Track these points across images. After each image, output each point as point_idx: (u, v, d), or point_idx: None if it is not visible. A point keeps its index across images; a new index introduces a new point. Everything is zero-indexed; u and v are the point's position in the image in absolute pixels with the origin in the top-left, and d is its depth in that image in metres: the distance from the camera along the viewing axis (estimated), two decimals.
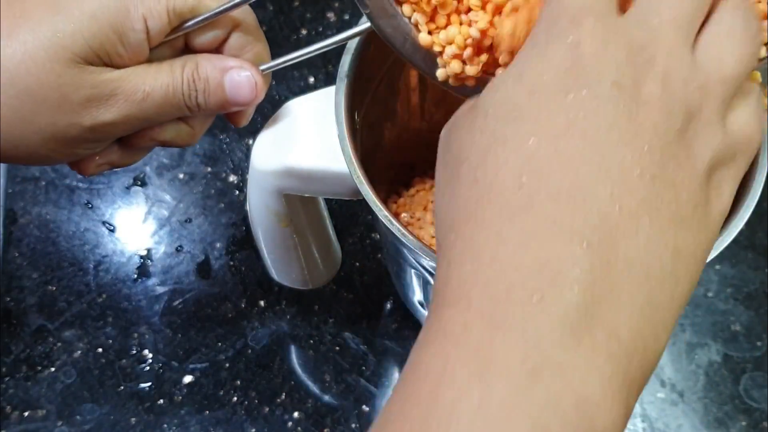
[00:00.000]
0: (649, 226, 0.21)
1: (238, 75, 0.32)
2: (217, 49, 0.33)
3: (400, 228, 0.31)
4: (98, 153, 0.33)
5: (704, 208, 0.23)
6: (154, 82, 0.31)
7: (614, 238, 0.21)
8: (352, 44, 0.35)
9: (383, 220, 0.31)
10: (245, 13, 0.33)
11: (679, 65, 0.22)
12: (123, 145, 0.34)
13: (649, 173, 0.21)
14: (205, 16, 0.31)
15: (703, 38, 0.23)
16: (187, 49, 0.33)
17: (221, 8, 0.31)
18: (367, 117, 0.39)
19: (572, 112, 0.22)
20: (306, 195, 0.40)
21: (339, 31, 0.62)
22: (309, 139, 0.37)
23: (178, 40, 0.32)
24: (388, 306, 0.51)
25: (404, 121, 0.43)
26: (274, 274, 0.48)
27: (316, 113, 0.37)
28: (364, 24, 0.30)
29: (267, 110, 0.59)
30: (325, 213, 0.45)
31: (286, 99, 0.59)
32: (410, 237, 0.31)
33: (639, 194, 0.21)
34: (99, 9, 0.29)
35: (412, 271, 0.37)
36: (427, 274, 0.35)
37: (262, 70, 0.33)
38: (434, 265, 0.31)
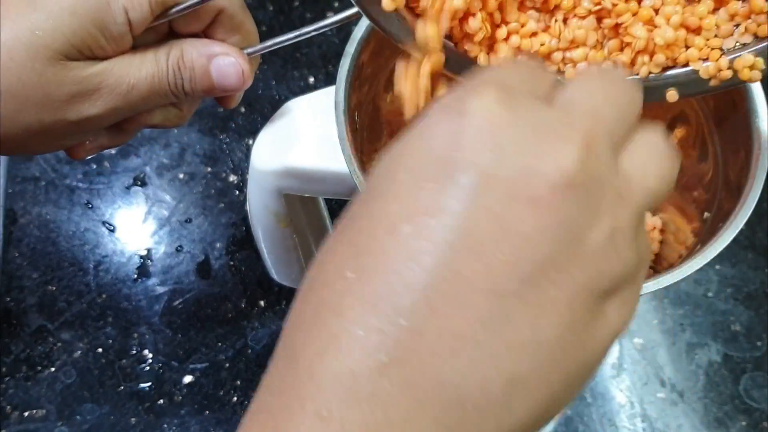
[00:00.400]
0: (474, 348, 0.17)
1: (224, 61, 0.31)
2: (204, 32, 0.32)
3: None
4: (87, 139, 0.33)
5: (585, 332, 0.19)
6: (139, 73, 0.30)
7: (421, 357, 0.17)
8: (352, 45, 0.35)
9: None
10: None
11: (597, 159, 0.18)
12: (112, 129, 0.33)
13: (501, 289, 0.18)
14: (190, 3, 0.30)
15: (628, 148, 0.20)
16: (172, 33, 0.32)
17: None
18: (367, 117, 0.39)
19: (423, 204, 0.18)
20: (306, 195, 0.40)
21: (339, 30, 0.62)
22: (309, 139, 0.37)
23: (162, 25, 0.31)
24: None
25: (403, 120, 0.43)
26: (274, 274, 0.48)
27: (316, 113, 0.37)
28: (352, 9, 0.30)
29: (267, 110, 0.59)
30: (325, 213, 0.45)
31: (286, 99, 0.59)
32: None
33: (474, 311, 0.17)
34: (78, 3, 0.28)
35: None
36: None
37: (249, 54, 0.33)
38: None
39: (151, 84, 0.31)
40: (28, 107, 0.29)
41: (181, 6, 0.30)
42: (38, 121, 0.29)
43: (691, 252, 0.35)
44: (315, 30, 0.32)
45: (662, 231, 0.42)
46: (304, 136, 0.37)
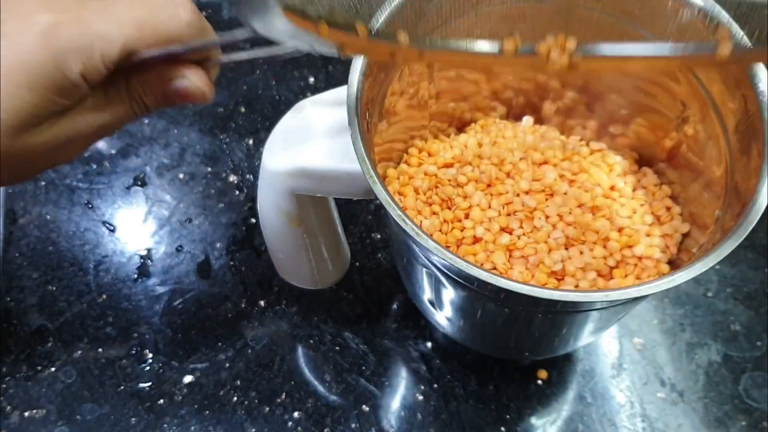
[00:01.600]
0: None
1: (182, 83, 0.32)
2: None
3: (414, 227, 0.31)
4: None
5: None
6: (104, 113, 0.31)
7: None
8: None
9: (397, 220, 0.31)
10: (190, 27, 0.31)
11: None
12: None
13: None
14: (149, 56, 0.30)
15: None
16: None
17: (165, 52, 0.30)
18: (378, 116, 0.39)
19: None
20: (317, 195, 0.40)
21: None
22: (321, 139, 0.37)
23: None
24: (388, 306, 0.51)
25: (407, 117, 0.44)
26: (283, 274, 0.48)
27: (327, 113, 0.37)
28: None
29: (267, 110, 0.59)
30: (335, 213, 0.45)
31: (286, 99, 0.60)
32: (424, 236, 0.31)
33: None
34: (35, 79, 0.28)
35: (423, 269, 0.37)
36: (438, 273, 0.35)
37: (212, 63, 0.33)
38: (446, 263, 0.31)
39: (119, 116, 0.32)
40: (9, 170, 0.30)
41: (141, 57, 0.30)
42: (20, 175, 0.31)
43: (701, 251, 0.35)
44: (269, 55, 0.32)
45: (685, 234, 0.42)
46: (316, 136, 0.37)
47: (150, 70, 0.31)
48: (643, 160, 0.45)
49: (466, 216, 0.41)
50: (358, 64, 0.35)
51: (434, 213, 0.41)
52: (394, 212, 0.31)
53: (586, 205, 0.40)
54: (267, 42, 0.31)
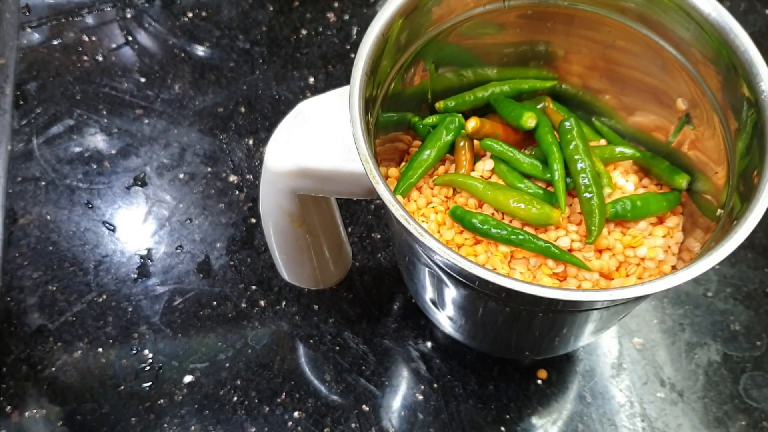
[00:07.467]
0: None
1: None
2: None
3: (417, 227, 0.31)
4: None
5: None
6: None
7: None
8: (366, 45, 0.35)
9: (400, 220, 0.31)
10: None
11: None
12: None
13: None
14: None
15: None
16: None
17: None
18: (379, 116, 0.39)
19: None
20: (319, 195, 0.40)
21: (339, 31, 0.62)
22: (323, 139, 0.37)
23: None
24: (388, 306, 0.51)
25: (407, 117, 0.44)
26: (285, 274, 0.48)
27: (329, 113, 0.37)
28: None
29: (267, 110, 0.59)
30: (337, 213, 0.45)
31: (286, 99, 0.60)
32: (427, 236, 0.31)
33: None
34: None
35: (425, 269, 0.37)
36: (440, 272, 0.35)
37: None
38: (449, 262, 0.31)
39: None
40: None
41: None
42: None
43: (703, 250, 0.35)
44: None
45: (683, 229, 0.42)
46: (318, 137, 0.37)
47: None
48: None
49: None
50: (360, 63, 0.35)
51: (436, 213, 0.41)
52: (397, 212, 0.31)
53: None
54: None
